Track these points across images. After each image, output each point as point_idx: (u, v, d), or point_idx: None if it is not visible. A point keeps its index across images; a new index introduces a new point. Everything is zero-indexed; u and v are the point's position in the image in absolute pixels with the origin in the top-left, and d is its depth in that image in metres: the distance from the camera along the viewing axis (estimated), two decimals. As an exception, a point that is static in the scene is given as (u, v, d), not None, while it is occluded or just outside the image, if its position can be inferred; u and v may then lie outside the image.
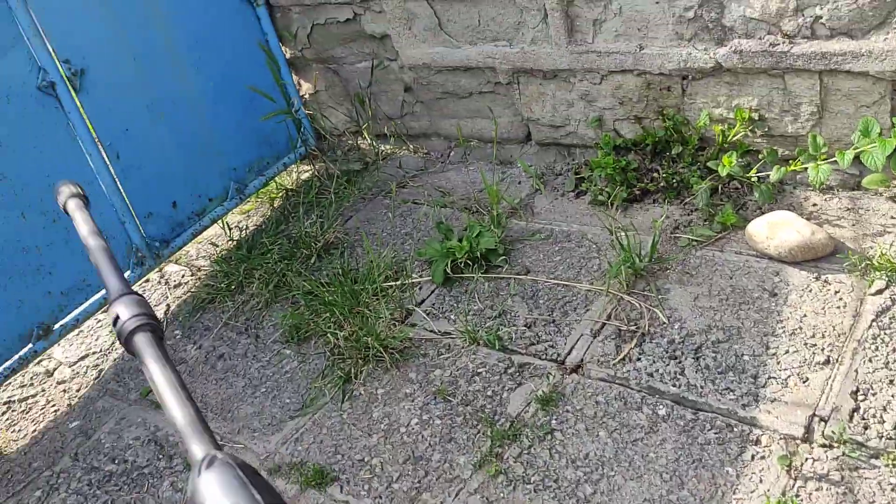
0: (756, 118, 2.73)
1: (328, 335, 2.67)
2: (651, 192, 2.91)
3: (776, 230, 2.48)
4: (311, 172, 3.76)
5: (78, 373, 2.95)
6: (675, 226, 2.75)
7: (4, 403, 2.89)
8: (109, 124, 2.98)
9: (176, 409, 0.78)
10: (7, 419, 2.82)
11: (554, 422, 2.19)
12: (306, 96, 3.93)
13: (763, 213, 2.63)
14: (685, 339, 2.31)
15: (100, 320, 3.23)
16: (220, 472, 0.65)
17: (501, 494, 2.03)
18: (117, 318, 0.96)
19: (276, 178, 3.68)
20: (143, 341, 0.90)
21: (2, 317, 2.69)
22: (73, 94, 2.88)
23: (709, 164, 2.78)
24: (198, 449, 0.72)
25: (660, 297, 2.48)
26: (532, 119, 3.27)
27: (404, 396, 2.42)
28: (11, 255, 2.72)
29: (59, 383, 2.93)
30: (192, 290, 3.24)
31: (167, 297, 3.26)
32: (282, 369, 2.68)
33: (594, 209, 2.96)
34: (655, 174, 2.91)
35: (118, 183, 3.01)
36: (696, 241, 2.65)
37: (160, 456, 2.48)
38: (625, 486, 1.96)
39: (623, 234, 2.64)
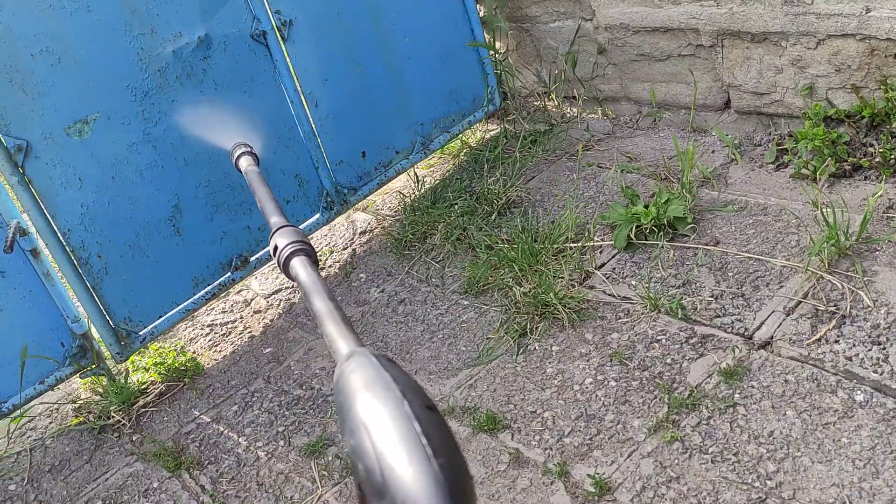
0: None
1: (507, 289, 2.70)
2: (863, 168, 2.69)
3: None
4: (496, 132, 3.79)
5: (272, 304, 3.18)
6: (888, 205, 2.53)
7: (208, 326, 3.17)
8: (311, 74, 3.13)
9: (326, 315, 0.84)
10: (210, 340, 3.09)
11: (737, 396, 2.10)
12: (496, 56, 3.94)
13: None
14: (892, 325, 2.13)
15: (292, 259, 3.44)
16: (359, 362, 0.68)
17: (676, 461, 1.98)
18: (276, 247, 1.04)
19: (461, 136, 3.74)
20: (298, 264, 0.98)
21: (208, 245, 2.94)
22: (282, 43, 3.04)
23: (935, 140, 2.53)
24: (343, 346, 0.76)
25: (865, 278, 2.30)
26: (733, 85, 3.10)
27: (579, 356, 2.41)
28: (220, 190, 2.95)
29: (255, 312, 3.17)
30: (378, 236, 3.38)
31: (354, 242, 3.42)
32: (459, 318, 2.74)
33: (796, 182, 2.78)
34: (871, 149, 2.68)
35: (315, 130, 3.17)
36: (912, 222, 2.43)
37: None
38: (811, 468, 1.85)
39: (829, 209, 2.46)
